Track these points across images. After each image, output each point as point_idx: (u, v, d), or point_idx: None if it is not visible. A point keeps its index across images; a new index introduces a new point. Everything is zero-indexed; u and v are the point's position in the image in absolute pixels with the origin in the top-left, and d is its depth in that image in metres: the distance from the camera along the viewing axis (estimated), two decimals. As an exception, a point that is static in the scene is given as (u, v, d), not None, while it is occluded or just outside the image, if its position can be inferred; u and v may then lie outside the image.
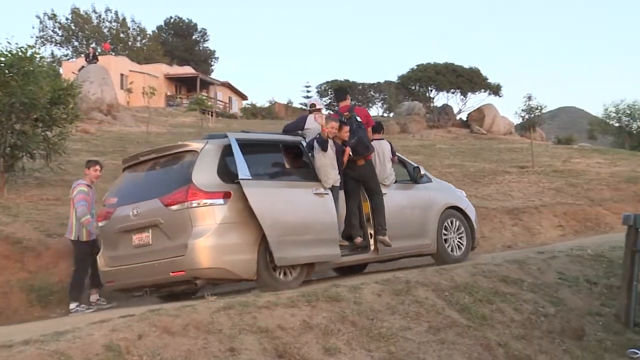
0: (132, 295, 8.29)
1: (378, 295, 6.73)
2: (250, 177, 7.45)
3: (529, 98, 31.82)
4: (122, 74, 46.85)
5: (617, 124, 43.78)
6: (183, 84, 55.62)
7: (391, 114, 35.50)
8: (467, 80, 36.21)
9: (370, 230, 8.65)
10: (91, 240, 8.60)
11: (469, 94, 36.84)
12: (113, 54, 51.64)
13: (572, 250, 9.16)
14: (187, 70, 56.34)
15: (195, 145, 7.71)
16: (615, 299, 7.80)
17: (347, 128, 8.46)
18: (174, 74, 54.43)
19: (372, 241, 8.61)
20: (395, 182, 9.25)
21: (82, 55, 44.63)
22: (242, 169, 7.44)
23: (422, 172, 9.73)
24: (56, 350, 4.64)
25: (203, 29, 70.36)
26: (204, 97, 46.19)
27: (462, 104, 37.30)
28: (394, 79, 39.63)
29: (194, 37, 69.85)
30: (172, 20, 69.24)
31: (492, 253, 11.02)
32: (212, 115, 34.33)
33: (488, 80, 37.01)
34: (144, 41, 63.37)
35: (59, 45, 58.42)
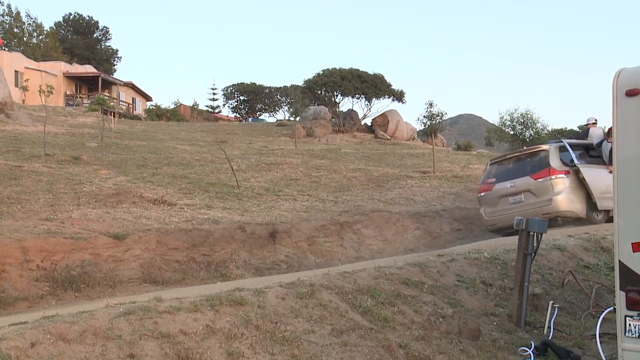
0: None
1: (282, 299, 6.73)
2: (579, 163, 13.09)
3: (431, 105, 32.59)
4: (16, 71, 44.82)
5: (512, 132, 45.81)
6: (84, 83, 53.74)
7: (297, 118, 35.60)
8: (372, 86, 36.84)
9: None
10: None
11: (374, 99, 37.50)
12: (6, 49, 49.19)
13: (470, 253, 9.44)
14: (88, 69, 54.49)
15: (545, 147, 13.63)
16: (509, 299, 8.12)
17: None
18: (74, 72, 52.48)
19: None
20: None
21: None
22: (575, 158, 13.15)
23: None
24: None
25: (105, 27, 68.52)
26: (106, 97, 44.73)
27: (366, 109, 37.98)
28: (300, 83, 39.81)
29: (95, 35, 67.77)
30: (71, 16, 66.92)
31: (394, 256, 11.25)
32: (114, 116, 33.31)
33: (392, 87, 37.82)
34: (40, 37, 60.81)
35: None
